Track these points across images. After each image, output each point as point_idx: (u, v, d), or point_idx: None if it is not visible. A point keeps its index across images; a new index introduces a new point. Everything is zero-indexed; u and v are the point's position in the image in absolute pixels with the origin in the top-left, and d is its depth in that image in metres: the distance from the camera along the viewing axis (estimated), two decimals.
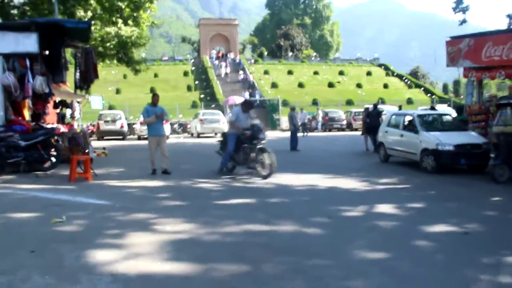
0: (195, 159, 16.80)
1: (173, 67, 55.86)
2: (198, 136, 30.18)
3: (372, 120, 19.25)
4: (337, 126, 36.50)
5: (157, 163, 11.78)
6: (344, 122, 36.53)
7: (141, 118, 29.17)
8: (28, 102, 14.18)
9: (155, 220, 6.67)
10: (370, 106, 21.79)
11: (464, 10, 25.54)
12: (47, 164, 12.24)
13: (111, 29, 17.90)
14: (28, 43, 11.72)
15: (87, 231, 6.07)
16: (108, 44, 18.46)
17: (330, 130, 36.26)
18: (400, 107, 23.43)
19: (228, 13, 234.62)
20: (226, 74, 54.63)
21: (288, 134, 22.10)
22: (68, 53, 16.18)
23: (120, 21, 18.50)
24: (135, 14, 19.65)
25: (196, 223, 6.50)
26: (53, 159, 12.28)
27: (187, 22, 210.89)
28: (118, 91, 46.33)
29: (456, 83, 71.12)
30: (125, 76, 48.38)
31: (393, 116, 16.38)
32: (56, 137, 12.44)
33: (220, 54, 58.52)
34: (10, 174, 11.53)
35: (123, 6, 18.28)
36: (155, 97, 11.78)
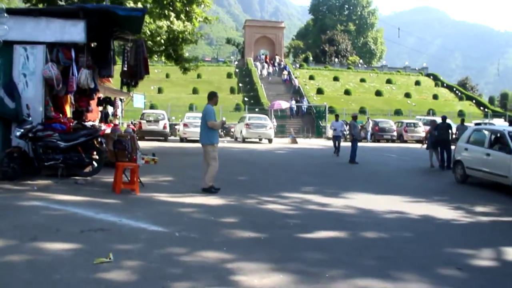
0: (249, 168, 15.17)
1: (216, 68, 54.68)
2: (243, 141, 28.60)
3: (440, 134, 17.63)
4: (387, 137, 34.39)
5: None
6: (395, 133, 34.38)
7: (186, 119, 28.10)
8: (70, 97, 12.80)
9: (233, 264, 4.95)
10: (435, 118, 20.20)
11: None
12: (88, 169, 10.79)
13: (163, 23, 16.39)
14: (75, 31, 10.27)
15: (143, 282, 4.41)
16: (158, 39, 16.97)
17: (379, 141, 34.18)
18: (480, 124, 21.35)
19: (270, 17, 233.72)
20: (268, 73, 53.23)
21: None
22: (116, 45, 14.72)
23: (172, 14, 17.01)
24: (187, 9, 18.16)
25: (289, 272, 4.76)
26: (95, 164, 10.83)
27: (228, 25, 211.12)
28: (160, 90, 45.27)
29: (504, 96, 67.68)
30: (167, 75, 47.39)
31: (475, 132, 14.41)
32: (99, 139, 10.98)
33: (267, 59, 56.98)
34: (46, 179, 10.09)
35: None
36: (216, 97, 10.09)
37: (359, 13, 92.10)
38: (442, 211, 8.92)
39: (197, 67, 21.19)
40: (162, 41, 17.19)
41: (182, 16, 17.75)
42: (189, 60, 19.86)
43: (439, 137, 17.64)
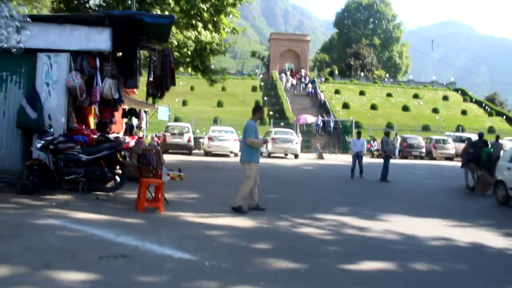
0: (277, 185, 14.49)
1: (241, 81, 54.33)
2: (269, 155, 27.93)
3: (476, 151, 16.72)
4: (415, 154, 33.31)
5: (255, 197, 9.38)
6: (424, 150, 33.29)
7: (211, 133, 27.60)
8: (94, 108, 12.34)
9: None
10: (470, 135, 19.38)
11: None
12: (110, 184, 10.25)
13: (190, 33, 15.92)
14: (100, 39, 9.80)
15: None
16: (184, 50, 16.50)
17: (406, 158, 33.14)
18: None
19: (294, 30, 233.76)
20: (292, 85, 52.69)
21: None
22: (142, 55, 14.27)
23: (200, 24, 16.55)
24: (215, 19, 17.70)
25: None
26: (118, 179, 10.30)
27: (253, 39, 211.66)
28: (184, 103, 45.01)
29: None
30: (192, 88, 47.20)
31: None
32: (123, 153, 10.45)
33: (292, 73, 56.39)
34: (66, 193, 9.55)
35: (204, 9, 16.31)
36: (260, 111, 9.45)
37: (384, 27, 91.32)
38: (491, 238, 8.16)
39: (224, 79, 20.68)
40: (189, 52, 16.70)
41: (210, 26, 17.29)
42: (216, 72, 19.36)
43: (475, 156, 16.80)
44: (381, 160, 18.63)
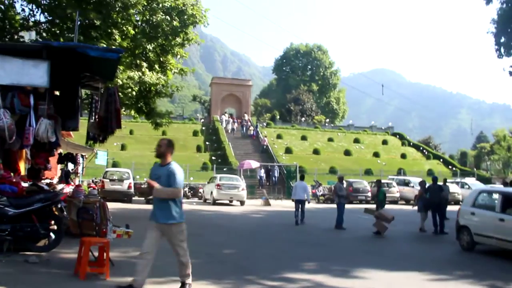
0: (231, 237, 13.33)
1: (182, 125, 52.91)
2: (214, 203, 26.62)
3: (433, 196, 16.74)
4: (361, 198, 32.99)
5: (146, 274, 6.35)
6: (369, 194, 33.10)
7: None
8: (26, 152, 10.75)
9: None
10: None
11: None
12: (43, 243, 8.69)
13: (135, 74, 14.73)
14: (36, 74, 8.40)
15: None
16: (128, 90, 15.25)
17: (352, 202, 32.79)
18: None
19: (232, 76, 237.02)
20: (233, 129, 52.05)
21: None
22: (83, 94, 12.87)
23: (144, 64, 15.43)
24: (161, 59, 16.66)
25: None
26: (53, 236, 8.75)
27: (192, 84, 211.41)
28: (123, 147, 42.96)
29: (464, 154, 68.55)
30: (131, 132, 45.33)
31: (482, 194, 13.15)
32: (60, 205, 8.96)
33: (233, 118, 55.68)
34: None
35: (151, 48, 15.23)
36: (157, 148, 6.69)
37: (321, 73, 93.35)
38: None
39: (169, 123, 19.47)
40: (134, 93, 15.47)
41: (156, 66, 16.21)
42: (161, 115, 18.13)
43: (432, 200, 16.63)
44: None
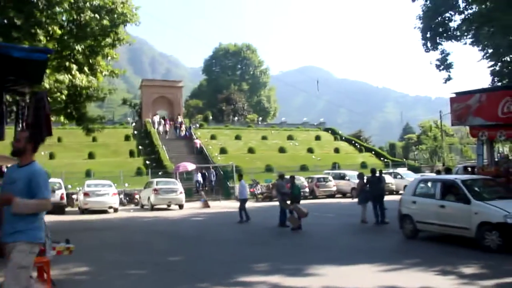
0: (175, 244, 12.89)
1: (113, 130, 51.03)
2: (152, 208, 25.84)
3: (374, 188, 17.06)
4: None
5: None
6: (307, 189, 33.38)
7: (87, 188, 24.80)
8: None
9: None
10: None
11: (448, 68, 24.26)
12: None
13: (64, 77, 13.82)
14: None
15: None
16: (57, 95, 14.29)
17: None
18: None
19: (162, 78, 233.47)
20: (165, 132, 51.03)
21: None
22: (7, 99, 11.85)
23: (74, 67, 14.54)
24: (91, 61, 15.79)
25: None
26: None
27: (120, 87, 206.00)
28: (51, 156, 40.83)
29: (392, 146, 71.14)
30: (59, 139, 43.23)
31: (421, 183, 13.53)
32: None
33: (166, 121, 54.38)
34: None
35: (79, 49, 14.35)
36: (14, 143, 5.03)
37: (251, 72, 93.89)
38: (434, 280, 7.75)
39: (103, 128, 18.59)
40: (63, 97, 14.55)
41: (85, 68, 15.34)
42: (93, 120, 17.23)
43: (373, 192, 16.92)
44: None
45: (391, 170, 38.16)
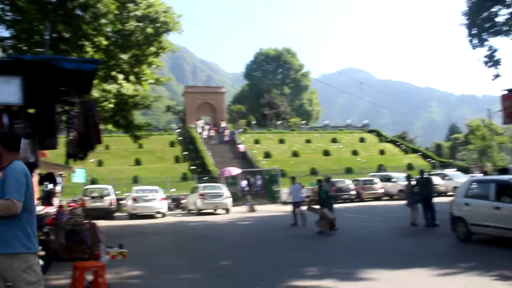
0: (224, 248, 12.90)
1: (158, 137, 51.97)
2: (198, 212, 26.10)
3: (422, 189, 16.53)
4: (345, 197, 32.79)
5: None
6: (353, 192, 32.96)
7: (135, 193, 25.24)
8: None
9: None
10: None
11: (497, 64, 23.45)
12: None
13: (112, 86, 14.16)
14: (8, 91, 7.81)
15: None
16: (105, 103, 14.67)
17: (336, 201, 32.60)
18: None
19: (203, 85, 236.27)
20: (209, 137, 51.46)
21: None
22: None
23: (120, 76, 14.88)
24: (136, 70, 16.11)
25: None
26: (40, 262, 8.19)
27: (163, 94, 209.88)
28: (100, 163, 42.03)
29: (438, 147, 69.34)
30: (107, 147, 44.38)
31: (474, 184, 13.05)
32: (45, 229, 8.40)
33: (208, 125, 54.97)
34: None
35: (125, 58, 14.68)
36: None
37: (292, 76, 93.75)
38: (493, 285, 7.46)
39: (149, 135, 18.92)
40: (111, 105, 14.89)
41: (131, 77, 15.67)
42: (140, 127, 17.56)
43: (421, 194, 16.45)
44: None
45: (439, 171, 37.14)
